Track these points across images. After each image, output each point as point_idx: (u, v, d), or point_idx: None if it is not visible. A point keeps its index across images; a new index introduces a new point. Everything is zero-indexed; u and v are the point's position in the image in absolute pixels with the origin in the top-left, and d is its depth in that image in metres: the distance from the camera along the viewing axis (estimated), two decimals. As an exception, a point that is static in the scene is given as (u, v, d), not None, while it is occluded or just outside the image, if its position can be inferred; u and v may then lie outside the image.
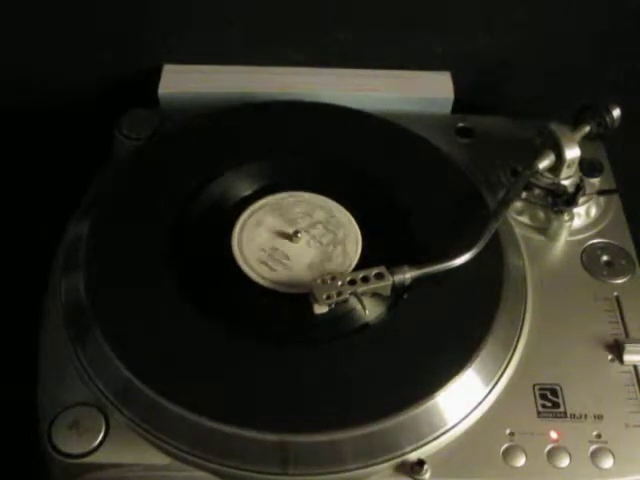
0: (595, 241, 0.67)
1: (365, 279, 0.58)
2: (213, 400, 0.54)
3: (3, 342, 0.84)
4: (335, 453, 0.53)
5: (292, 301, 0.59)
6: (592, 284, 0.64)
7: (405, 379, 0.55)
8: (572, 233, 0.67)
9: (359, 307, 0.58)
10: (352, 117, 0.73)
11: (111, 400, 0.55)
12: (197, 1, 0.76)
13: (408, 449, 0.54)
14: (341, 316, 0.59)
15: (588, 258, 0.66)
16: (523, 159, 0.67)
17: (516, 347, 0.59)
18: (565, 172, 0.66)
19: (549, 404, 0.57)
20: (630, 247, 0.67)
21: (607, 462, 0.54)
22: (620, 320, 0.61)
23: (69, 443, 0.53)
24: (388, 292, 0.59)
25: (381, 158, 0.69)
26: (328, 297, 0.57)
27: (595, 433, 0.56)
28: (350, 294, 0.58)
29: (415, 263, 0.59)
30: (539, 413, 0.56)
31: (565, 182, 0.66)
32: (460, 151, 0.72)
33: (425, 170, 0.69)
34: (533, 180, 0.66)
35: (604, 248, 0.66)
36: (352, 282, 0.58)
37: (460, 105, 0.77)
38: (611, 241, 0.67)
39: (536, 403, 0.57)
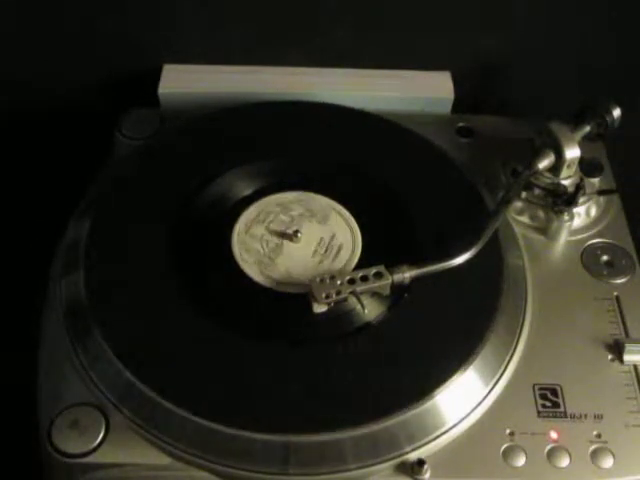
0: (595, 241, 0.67)
1: (364, 278, 0.58)
2: (213, 400, 0.54)
3: (3, 342, 0.84)
4: (335, 453, 0.53)
5: (292, 300, 0.59)
6: (592, 284, 0.64)
7: (405, 379, 0.55)
8: (572, 233, 0.67)
9: (359, 307, 0.58)
10: (352, 117, 0.73)
11: (111, 400, 0.55)
12: (197, 1, 0.76)
13: (408, 449, 0.54)
14: (341, 316, 0.59)
15: (588, 258, 0.66)
16: (523, 159, 0.67)
17: (516, 347, 0.59)
18: (565, 172, 0.66)
19: (549, 404, 0.57)
20: (630, 247, 0.66)
21: (607, 462, 0.54)
22: (620, 320, 0.61)
23: (69, 443, 0.53)
24: (387, 291, 0.59)
25: (381, 158, 0.69)
26: (327, 296, 0.57)
27: (595, 433, 0.56)
28: (349, 293, 0.58)
29: (415, 262, 0.59)
30: (539, 413, 0.56)
31: (565, 182, 0.66)
32: (460, 151, 0.72)
33: (425, 170, 0.69)
34: (533, 180, 0.66)
35: (604, 248, 0.66)
36: (351, 281, 0.58)
37: (460, 105, 0.77)
38: (611, 241, 0.67)
39: (536, 403, 0.57)
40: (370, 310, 0.59)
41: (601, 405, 0.57)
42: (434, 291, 0.59)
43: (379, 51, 0.79)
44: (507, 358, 0.59)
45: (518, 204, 0.68)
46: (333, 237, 0.64)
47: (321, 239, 0.63)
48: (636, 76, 0.80)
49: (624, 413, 0.56)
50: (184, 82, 0.77)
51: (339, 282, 0.58)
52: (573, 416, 0.56)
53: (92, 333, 0.57)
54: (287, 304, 0.59)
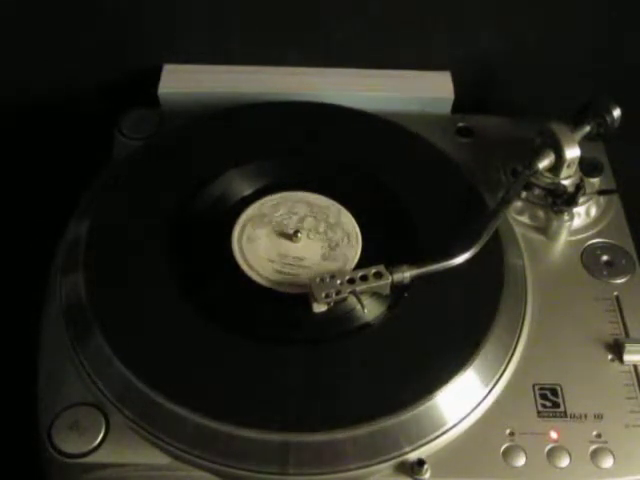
0: (595, 241, 0.67)
1: (364, 278, 0.58)
2: (213, 400, 0.54)
3: (3, 343, 0.84)
4: (335, 453, 0.53)
5: (292, 300, 0.59)
6: (592, 284, 0.64)
7: (405, 379, 0.55)
8: (572, 233, 0.67)
9: (359, 306, 0.58)
10: (352, 117, 0.73)
11: (111, 400, 0.55)
12: (197, 1, 0.76)
13: (408, 449, 0.54)
14: (341, 315, 0.59)
15: (588, 258, 0.66)
16: (523, 159, 0.67)
17: (516, 347, 0.59)
18: (565, 172, 0.66)
19: (549, 404, 0.57)
20: (630, 247, 0.67)
21: (607, 462, 0.54)
22: (620, 320, 0.61)
23: (69, 443, 0.53)
24: (387, 291, 0.59)
25: (381, 158, 0.69)
26: (327, 296, 0.57)
27: (595, 433, 0.56)
28: (349, 293, 0.58)
29: (414, 262, 0.59)
30: (539, 413, 0.56)
31: (565, 182, 0.66)
32: (460, 151, 0.72)
33: (425, 170, 0.69)
34: (533, 180, 0.66)
35: (604, 248, 0.66)
36: (351, 281, 0.58)
37: (460, 105, 0.77)
38: (611, 241, 0.67)
39: (536, 403, 0.57)
40: (370, 310, 0.59)
41: (601, 405, 0.57)
42: (434, 291, 0.60)
43: (379, 51, 0.79)
44: (507, 358, 0.59)
45: (518, 204, 0.68)
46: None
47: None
48: (636, 76, 0.79)
49: (624, 413, 0.56)
50: (184, 82, 0.77)
51: (339, 282, 0.58)
52: (573, 416, 0.56)
53: (92, 333, 0.57)
54: (287, 304, 0.59)
